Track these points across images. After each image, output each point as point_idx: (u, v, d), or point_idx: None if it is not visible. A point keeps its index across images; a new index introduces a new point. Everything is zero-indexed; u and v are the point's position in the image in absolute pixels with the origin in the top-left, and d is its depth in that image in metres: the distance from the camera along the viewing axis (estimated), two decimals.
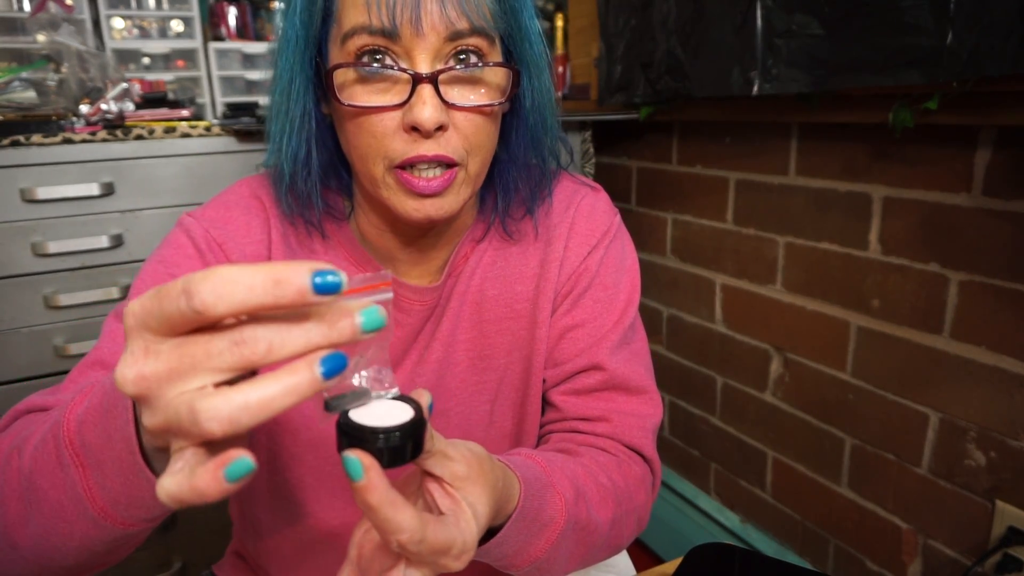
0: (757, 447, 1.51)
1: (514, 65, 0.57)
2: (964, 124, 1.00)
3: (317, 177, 0.60)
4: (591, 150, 1.64)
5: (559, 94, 1.78)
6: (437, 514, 0.42)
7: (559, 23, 1.79)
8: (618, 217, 0.72)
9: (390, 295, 0.33)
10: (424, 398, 0.40)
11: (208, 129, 1.35)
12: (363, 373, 0.36)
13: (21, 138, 1.19)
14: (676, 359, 1.73)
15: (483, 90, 0.55)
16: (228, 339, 0.29)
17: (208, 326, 0.30)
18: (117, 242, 1.29)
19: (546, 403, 0.71)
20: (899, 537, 1.21)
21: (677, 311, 1.70)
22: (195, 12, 1.56)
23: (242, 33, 1.71)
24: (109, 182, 1.27)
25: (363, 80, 0.53)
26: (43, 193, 1.22)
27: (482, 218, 0.68)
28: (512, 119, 0.62)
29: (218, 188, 0.67)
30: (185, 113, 1.42)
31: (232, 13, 1.69)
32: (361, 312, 0.31)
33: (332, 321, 0.30)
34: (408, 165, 0.54)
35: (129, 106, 1.35)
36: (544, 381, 0.69)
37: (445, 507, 0.42)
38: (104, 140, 1.26)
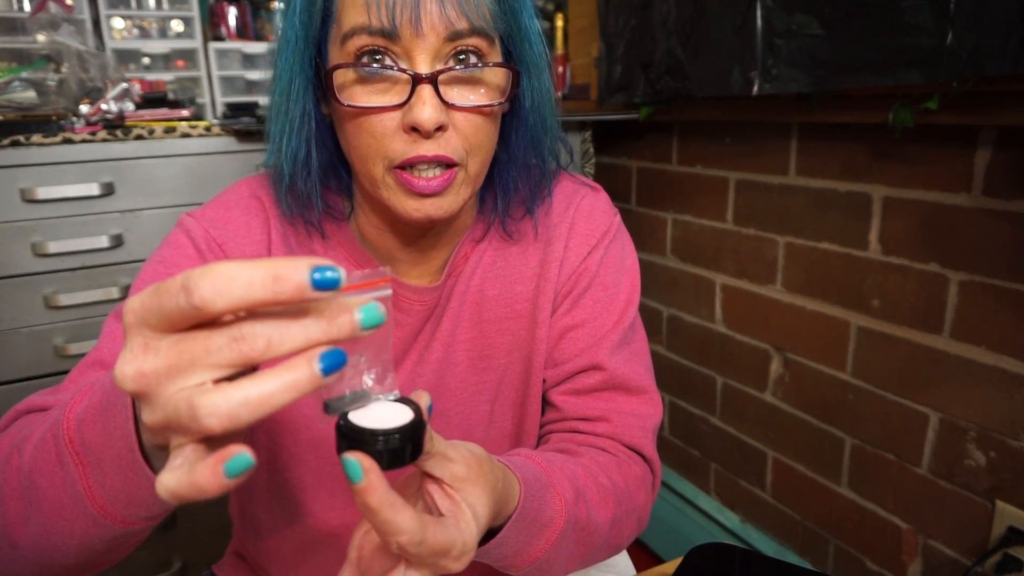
0: (757, 447, 1.51)
1: (514, 65, 0.57)
2: (964, 124, 1.00)
3: (317, 177, 0.60)
4: (591, 150, 1.64)
5: (559, 94, 1.78)
6: (437, 515, 0.42)
7: (559, 23, 1.79)
8: (618, 217, 0.72)
9: (389, 292, 0.33)
10: (423, 400, 0.40)
11: (208, 129, 1.35)
12: (364, 375, 0.36)
13: (21, 138, 1.19)
14: (676, 359, 1.73)
15: (483, 90, 0.55)
16: (227, 335, 0.29)
17: (207, 322, 0.30)
18: (117, 242, 1.29)
19: (546, 403, 0.71)
20: (899, 537, 1.21)
21: (677, 311, 1.70)
22: (195, 12, 1.56)
23: (242, 33, 1.71)
24: (109, 182, 1.27)
25: (363, 80, 0.53)
26: (43, 193, 1.22)
27: (482, 218, 0.68)
28: (512, 119, 0.62)
29: (218, 188, 0.67)
30: (185, 113, 1.42)
31: (232, 13, 1.69)
32: (360, 309, 0.31)
33: (331, 318, 0.30)
34: (408, 165, 0.54)
35: (129, 106, 1.35)
36: (544, 381, 0.69)
37: (445, 508, 0.42)
38: (104, 140, 1.26)
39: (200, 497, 0.30)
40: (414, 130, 0.52)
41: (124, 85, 1.34)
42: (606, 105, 1.61)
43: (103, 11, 1.48)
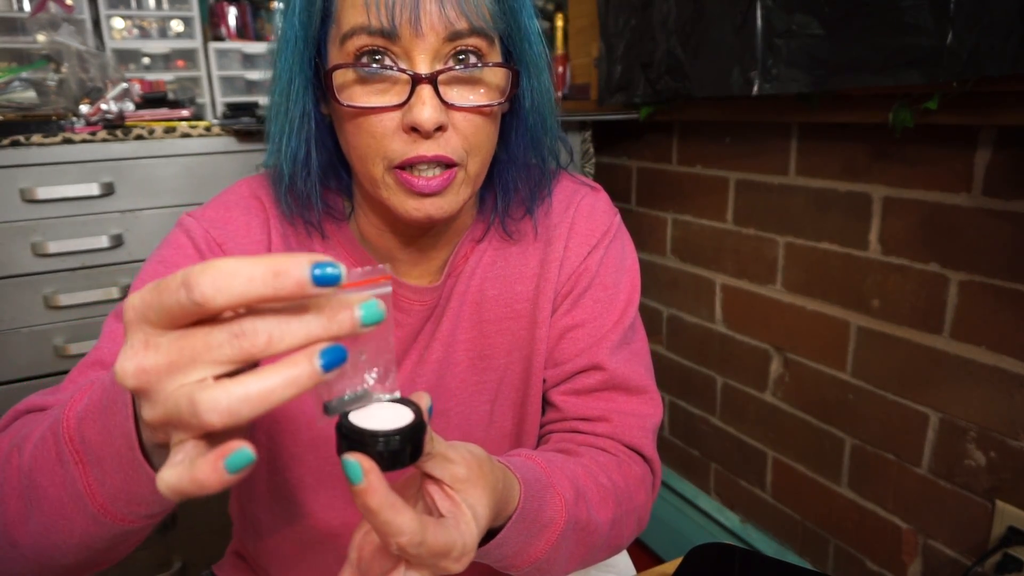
0: (757, 447, 1.51)
1: (513, 65, 0.57)
2: (964, 124, 1.00)
3: (317, 178, 0.60)
4: (591, 150, 1.64)
5: (559, 94, 1.78)
6: (437, 516, 0.42)
7: (559, 23, 1.79)
8: (618, 217, 0.72)
9: (389, 289, 0.33)
10: (424, 401, 0.40)
11: (208, 129, 1.35)
12: (364, 374, 0.36)
13: (21, 138, 1.19)
14: (676, 359, 1.73)
15: (482, 90, 0.55)
16: (228, 331, 0.29)
17: (208, 319, 0.30)
18: (117, 242, 1.29)
19: (546, 403, 0.71)
20: (899, 537, 1.21)
21: (677, 311, 1.70)
22: (195, 12, 1.56)
23: (242, 33, 1.71)
24: (109, 182, 1.27)
25: (362, 81, 0.53)
26: (43, 193, 1.22)
27: (482, 218, 0.68)
28: (512, 119, 0.62)
29: (218, 188, 0.67)
30: (185, 113, 1.42)
31: (232, 13, 1.69)
32: (360, 305, 0.31)
33: (331, 314, 0.30)
34: (408, 165, 0.54)
35: (129, 106, 1.35)
36: (544, 381, 0.69)
37: (445, 509, 0.42)
38: (104, 140, 1.26)
39: (201, 493, 0.30)
40: (414, 130, 0.52)
41: (124, 85, 1.34)
42: (606, 105, 1.61)
43: (103, 11, 1.48)
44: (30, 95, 1.32)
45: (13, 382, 1.26)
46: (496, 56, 0.56)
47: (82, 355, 0.64)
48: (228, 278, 0.28)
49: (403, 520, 0.37)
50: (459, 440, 0.46)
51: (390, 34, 0.51)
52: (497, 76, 0.56)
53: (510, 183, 0.65)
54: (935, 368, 1.11)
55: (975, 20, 0.85)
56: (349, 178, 0.64)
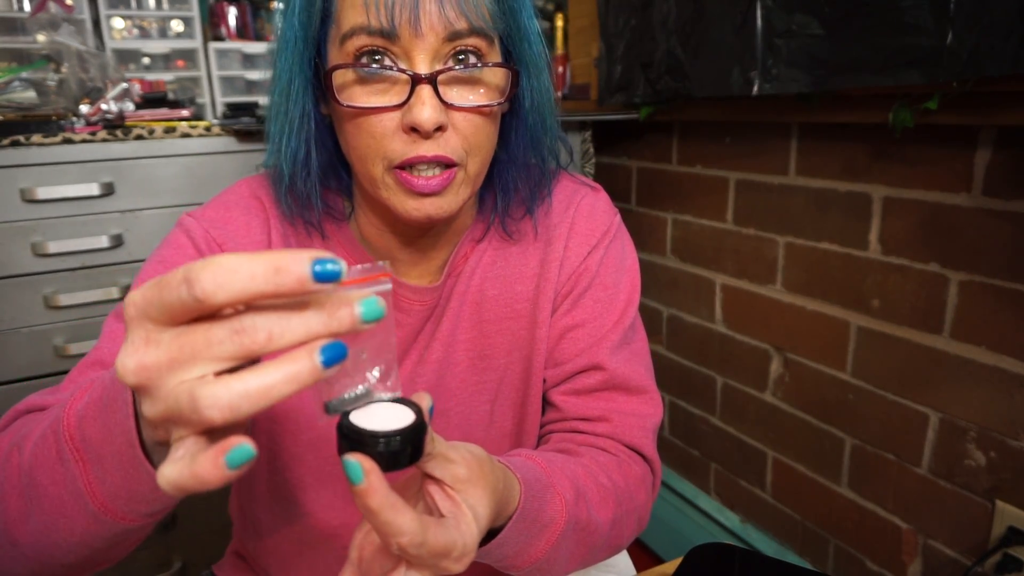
0: (757, 447, 1.51)
1: (513, 65, 0.57)
2: (964, 124, 1.00)
3: (316, 178, 0.60)
4: (591, 150, 1.64)
5: (559, 94, 1.78)
6: (438, 516, 0.42)
7: (559, 23, 1.79)
8: (618, 217, 0.72)
9: (389, 286, 0.33)
10: (425, 401, 0.40)
11: (208, 129, 1.35)
12: (366, 373, 0.36)
13: (21, 138, 1.19)
14: (676, 359, 1.73)
15: (482, 90, 0.55)
16: (228, 328, 0.29)
17: (208, 315, 0.30)
18: (117, 242, 1.29)
19: (546, 403, 0.71)
20: (899, 537, 1.21)
21: (677, 311, 1.70)
22: (195, 12, 1.56)
23: (242, 33, 1.71)
24: (109, 182, 1.27)
25: (362, 81, 0.53)
26: (43, 193, 1.22)
27: (481, 218, 0.68)
28: (511, 119, 0.62)
29: (218, 188, 0.67)
30: (185, 113, 1.42)
31: (232, 13, 1.69)
32: (360, 302, 0.31)
33: (332, 311, 0.30)
34: (407, 165, 0.54)
35: (129, 106, 1.35)
36: (544, 381, 0.69)
37: (446, 509, 0.42)
38: (104, 140, 1.26)
39: (201, 488, 0.31)
40: (413, 130, 0.52)
41: (124, 85, 1.34)
42: (606, 105, 1.61)
43: (103, 11, 1.48)
44: (30, 95, 1.32)
45: (13, 382, 1.26)
46: (496, 56, 0.56)
47: (82, 355, 0.64)
48: (229, 274, 0.28)
49: (404, 520, 0.37)
50: (459, 440, 0.46)
51: (390, 34, 0.51)
52: (497, 76, 0.56)
53: (510, 183, 0.65)
54: (935, 368, 1.11)
55: (975, 20, 0.85)
56: (349, 178, 0.64)
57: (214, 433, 0.32)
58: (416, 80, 0.51)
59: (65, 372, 0.60)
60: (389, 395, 0.37)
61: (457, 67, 0.53)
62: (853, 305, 1.23)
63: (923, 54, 0.92)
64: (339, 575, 0.43)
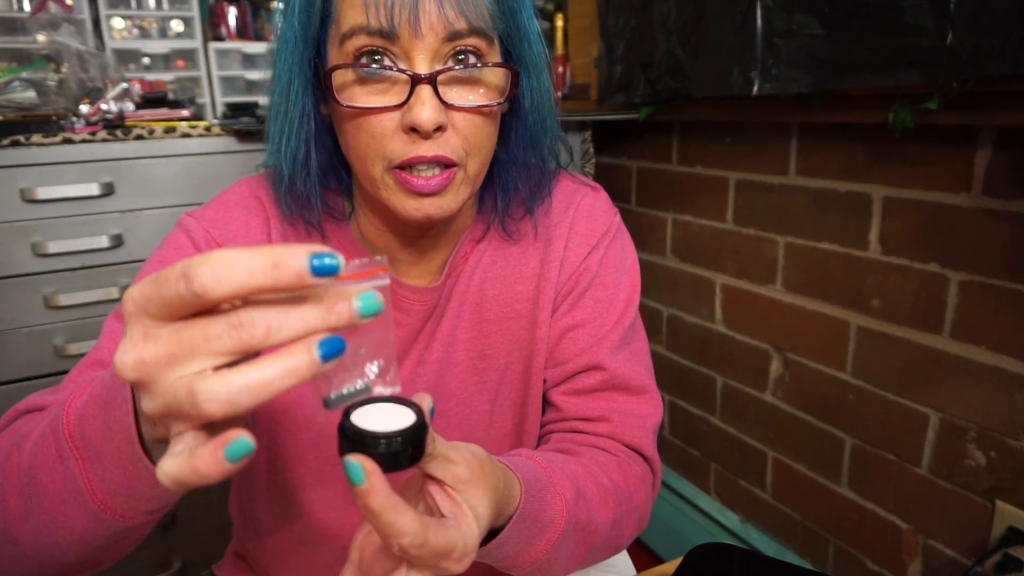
0: (757, 447, 1.51)
1: (513, 65, 0.57)
2: (964, 124, 1.00)
3: (316, 178, 0.60)
4: (591, 150, 1.64)
5: (559, 94, 1.78)
6: (438, 516, 0.42)
7: (559, 23, 1.79)
8: (618, 217, 0.72)
9: (387, 281, 0.33)
10: (426, 402, 0.40)
11: (208, 129, 1.35)
12: (365, 369, 0.36)
13: (21, 138, 1.19)
14: (676, 359, 1.73)
15: (482, 90, 0.55)
16: (226, 323, 0.29)
17: (207, 311, 0.30)
18: (117, 242, 1.29)
19: (546, 403, 0.71)
20: (899, 537, 1.21)
21: (677, 311, 1.70)
22: (195, 12, 1.56)
23: (242, 33, 1.71)
24: (109, 182, 1.27)
25: (362, 81, 0.53)
26: (43, 193, 1.22)
27: (481, 218, 0.68)
28: (511, 119, 0.62)
29: (218, 188, 0.67)
30: (185, 113, 1.42)
31: (232, 13, 1.69)
32: (358, 296, 0.31)
33: (330, 305, 0.30)
34: (407, 165, 0.54)
35: (129, 106, 1.35)
36: (544, 381, 0.69)
37: (446, 510, 0.42)
38: (104, 140, 1.26)
39: (201, 482, 0.31)
40: (413, 130, 0.52)
41: (124, 85, 1.34)
42: (606, 105, 1.61)
43: (103, 11, 1.48)
44: (30, 95, 1.32)
45: (13, 382, 1.26)
46: (495, 56, 0.56)
47: (82, 355, 0.64)
48: (227, 269, 0.28)
49: (405, 521, 0.37)
50: (459, 440, 0.46)
51: (389, 34, 0.51)
52: (496, 76, 0.56)
53: (510, 183, 0.65)
54: (935, 368, 1.11)
55: (975, 20, 0.85)
56: (349, 178, 0.64)
57: (213, 428, 0.32)
58: (416, 80, 0.51)
59: (65, 372, 0.60)
60: (388, 390, 0.37)
61: (457, 67, 0.53)
62: (853, 305, 1.23)
63: (923, 54, 0.92)
64: (340, 575, 0.43)
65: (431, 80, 0.51)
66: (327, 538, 0.67)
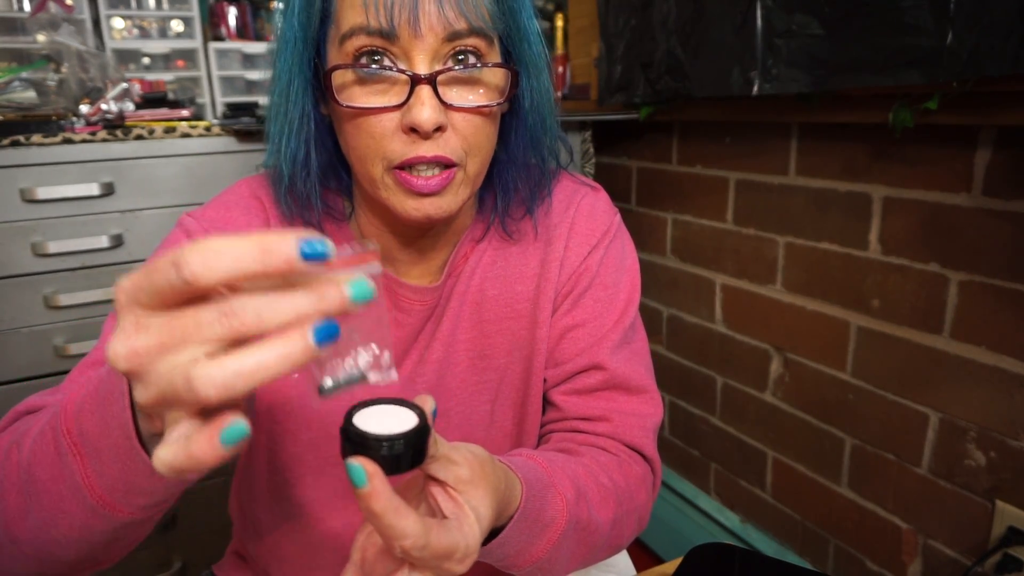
0: (757, 447, 1.51)
1: (513, 65, 0.57)
2: (964, 124, 1.00)
3: (316, 178, 0.60)
4: (591, 150, 1.64)
5: (559, 94, 1.78)
6: (440, 517, 0.42)
7: (559, 23, 1.79)
8: (618, 216, 0.72)
9: (379, 268, 0.33)
10: (428, 404, 0.40)
11: (208, 129, 1.35)
12: (359, 356, 0.36)
13: (21, 138, 1.19)
14: (676, 359, 1.73)
15: (482, 91, 0.55)
16: (217, 310, 0.29)
17: (199, 300, 0.30)
18: (117, 242, 1.29)
19: (547, 403, 0.71)
20: (899, 537, 1.21)
21: (677, 311, 1.70)
22: (195, 12, 1.56)
23: (242, 33, 1.71)
24: (109, 182, 1.27)
25: (361, 81, 0.53)
26: (43, 193, 1.22)
27: (481, 218, 0.68)
28: (511, 119, 0.62)
29: (218, 188, 0.67)
30: (185, 113, 1.42)
31: (232, 13, 1.69)
32: (349, 282, 0.31)
33: (321, 291, 0.30)
34: (407, 166, 0.54)
35: (129, 106, 1.35)
36: (544, 381, 0.70)
37: (448, 511, 0.42)
38: (104, 140, 1.26)
39: (198, 468, 0.31)
40: (413, 131, 0.52)
41: (124, 85, 1.34)
42: (606, 105, 1.61)
43: (103, 11, 1.48)
44: (30, 95, 1.32)
45: (13, 382, 1.26)
46: (495, 56, 0.56)
47: (82, 355, 0.64)
48: (217, 256, 0.28)
49: (407, 524, 0.37)
50: (459, 440, 0.46)
51: (389, 34, 0.51)
52: (496, 76, 0.56)
53: (510, 183, 0.65)
54: (935, 368, 1.11)
55: (975, 20, 0.85)
56: (349, 178, 0.64)
57: (208, 414, 0.32)
58: (415, 80, 0.51)
59: (65, 372, 0.60)
60: (383, 376, 0.37)
61: (457, 67, 0.53)
62: (853, 305, 1.23)
63: (923, 54, 0.92)
64: (341, 575, 0.43)
65: (431, 80, 0.51)
66: (327, 538, 0.67)
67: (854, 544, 1.31)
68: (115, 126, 1.29)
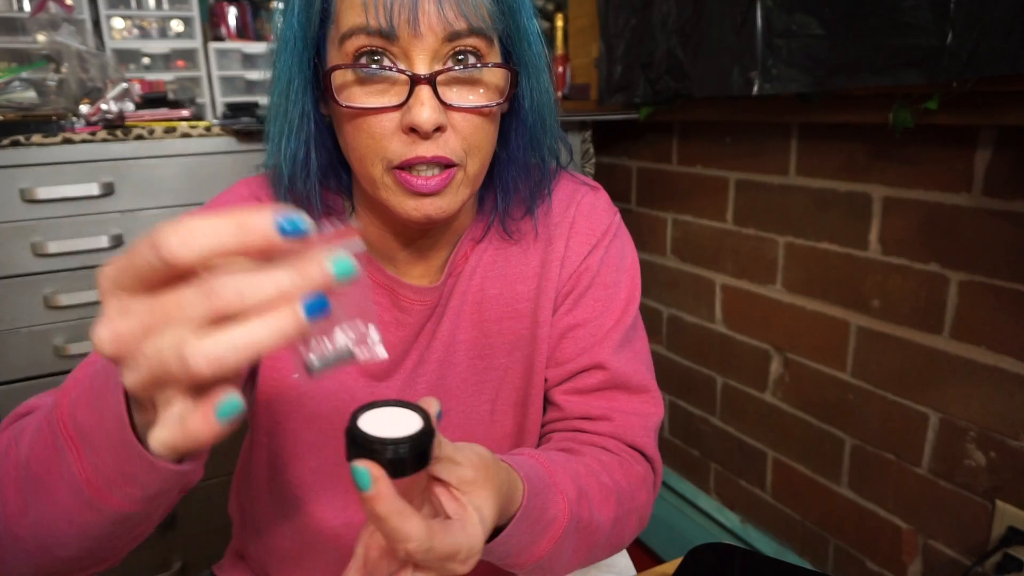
0: (757, 447, 1.51)
1: (512, 66, 0.57)
2: (964, 124, 1.00)
3: (316, 178, 0.60)
4: (591, 150, 1.64)
5: (559, 94, 1.78)
6: (444, 518, 0.42)
7: (559, 23, 1.79)
8: (618, 216, 0.72)
9: (361, 245, 0.33)
10: (432, 407, 0.40)
11: (208, 129, 1.35)
12: (345, 332, 0.36)
13: (21, 138, 1.19)
14: (676, 359, 1.73)
15: (481, 91, 0.55)
16: (198, 290, 0.30)
17: (182, 282, 0.30)
18: (117, 242, 1.29)
19: (548, 402, 0.71)
20: (899, 537, 1.21)
21: (677, 311, 1.70)
22: (195, 12, 1.56)
23: (242, 33, 1.71)
24: (109, 182, 1.27)
25: (361, 81, 0.53)
26: (43, 193, 1.22)
27: (481, 218, 0.68)
28: (511, 119, 0.62)
29: (218, 188, 0.67)
30: (185, 113, 1.42)
31: (232, 13, 1.69)
32: (330, 258, 0.31)
33: (301, 268, 0.31)
34: (407, 166, 0.54)
35: (129, 106, 1.35)
36: (546, 380, 0.70)
37: (452, 511, 0.42)
38: (104, 140, 1.26)
39: (194, 445, 0.31)
40: (413, 131, 0.52)
41: (124, 85, 1.34)
42: (606, 105, 1.61)
43: (103, 11, 1.48)
44: (30, 95, 1.32)
45: (13, 382, 1.26)
46: (495, 56, 0.56)
47: (82, 355, 0.64)
48: (194, 234, 0.28)
49: (411, 527, 0.37)
50: (460, 440, 0.46)
51: (388, 35, 0.51)
52: (496, 76, 0.56)
53: (510, 183, 0.65)
54: (935, 368, 1.11)
55: (975, 20, 0.85)
56: (349, 178, 0.64)
57: (200, 393, 0.32)
58: (415, 80, 0.51)
59: (66, 372, 0.60)
60: (371, 354, 0.37)
61: (456, 67, 0.53)
62: (853, 305, 1.23)
63: (923, 54, 0.92)
64: (345, 572, 0.44)
65: (430, 80, 0.51)
66: (327, 538, 0.67)
67: (854, 544, 1.31)
68: (115, 126, 1.29)
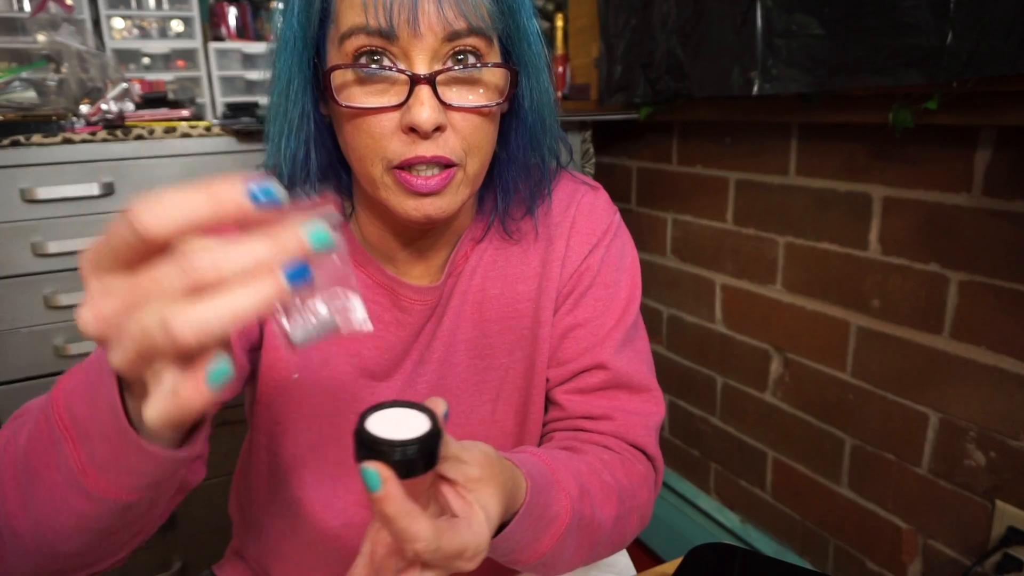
0: (757, 447, 1.51)
1: (512, 65, 0.57)
2: (964, 124, 1.00)
3: (316, 178, 0.60)
4: (591, 150, 1.64)
5: (559, 94, 1.78)
6: (450, 516, 0.43)
7: (559, 23, 1.79)
8: (618, 215, 0.73)
9: (338, 216, 0.33)
10: (440, 407, 0.40)
11: (208, 129, 1.35)
12: (326, 304, 0.36)
13: (21, 138, 1.19)
14: (676, 359, 1.73)
15: (481, 90, 0.55)
16: (175, 264, 0.30)
17: (159, 257, 0.30)
18: None
19: (549, 402, 0.71)
20: (899, 537, 1.21)
21: (677, 311, 1.70)
22: (195, 12, 1.56)
23: (242, 33, 1.71)
24: (109, 182, 1.27)
25: (361, 81, 0.53)
26: (43, 193, 1.22)
27: (481, 218, 0.68)
28: (511, 119, 0.62)
29: None
30: (185, 113, 1.42)
31: (232, 13, 1.69)
32: (307, 227, 0.31)
33: (277, 237, 0.31)
34: (406, 165, 0.54)
35: (129, 106, 1.35)
36: (547, 380, 0.70)
37: (458, 509, 0.43)
38: (104, 140, 1.26)
39: (187, 415, 0.31)
40: (412, 130, 0.52)
41: (124, 85, 1.34)
42: (606, 105, 1.61)
43: (103, 11, 1.48)
44: (30, 95, 1.32)
45: (13, 382, 1.26)
46: (495, 56, 0.56)
47: (82, 355, 0.64)
48: (166, 207, 0.29)
49: (419, 527, 0.38)
50: (461, 440, 0.46)
51: (388, 34, 0.51)
52: (496, 76, 0.56)
53: (510, 183, 0.65)
54: (935, 368, 1.11)
55: (975, 20, 0.85)
56: (349, 178, 0.64)
57: (189, 363, 0.32)
58: (415, 80, 0.51)
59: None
60: (355, 325, 0.37)
61: (456, 67, 0.53)
62: (853, 305, 1.23)
63: (923, 54, 0.92)
64: (351, 568, 0.44)
65: (430, 80, 0.51)
66: (327, 538, 0.67)
67: (854, 544, 1.31)
68: (115, 126, 1.29)
